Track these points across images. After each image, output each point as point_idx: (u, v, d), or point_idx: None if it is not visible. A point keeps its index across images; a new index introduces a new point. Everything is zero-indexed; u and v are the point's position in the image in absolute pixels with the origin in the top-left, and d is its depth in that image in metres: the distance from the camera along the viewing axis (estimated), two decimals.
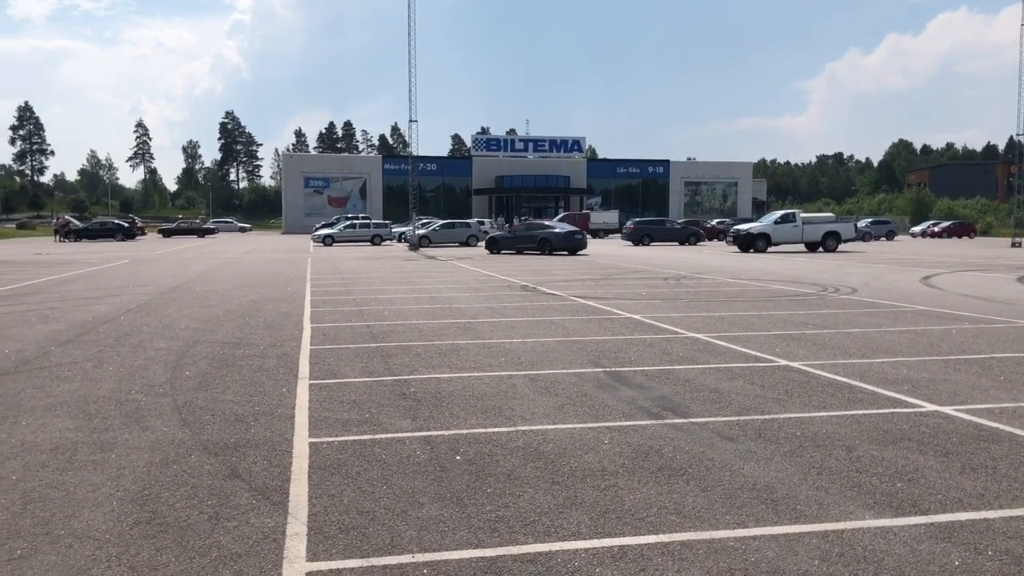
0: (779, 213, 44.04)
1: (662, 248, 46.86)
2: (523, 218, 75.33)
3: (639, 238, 51.78)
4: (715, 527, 4.84)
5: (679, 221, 62.71)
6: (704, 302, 16.96)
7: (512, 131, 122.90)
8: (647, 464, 6.01)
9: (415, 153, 55.46)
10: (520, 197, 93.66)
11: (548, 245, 38.61)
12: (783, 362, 9.98)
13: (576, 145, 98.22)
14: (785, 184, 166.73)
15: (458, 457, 6.19)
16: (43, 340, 11.98)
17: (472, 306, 16.33)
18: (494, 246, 40.13)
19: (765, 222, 42.79)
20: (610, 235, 66.18)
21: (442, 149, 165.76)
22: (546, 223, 44.73)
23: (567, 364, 9.92)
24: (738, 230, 42.92)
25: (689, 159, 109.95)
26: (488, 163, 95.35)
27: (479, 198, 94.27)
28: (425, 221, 57.65)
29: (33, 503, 5.28)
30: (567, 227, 41.28)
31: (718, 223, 66.37)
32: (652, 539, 4.66)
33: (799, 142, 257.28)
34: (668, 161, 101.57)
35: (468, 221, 57.57)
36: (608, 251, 42.47)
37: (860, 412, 7.53)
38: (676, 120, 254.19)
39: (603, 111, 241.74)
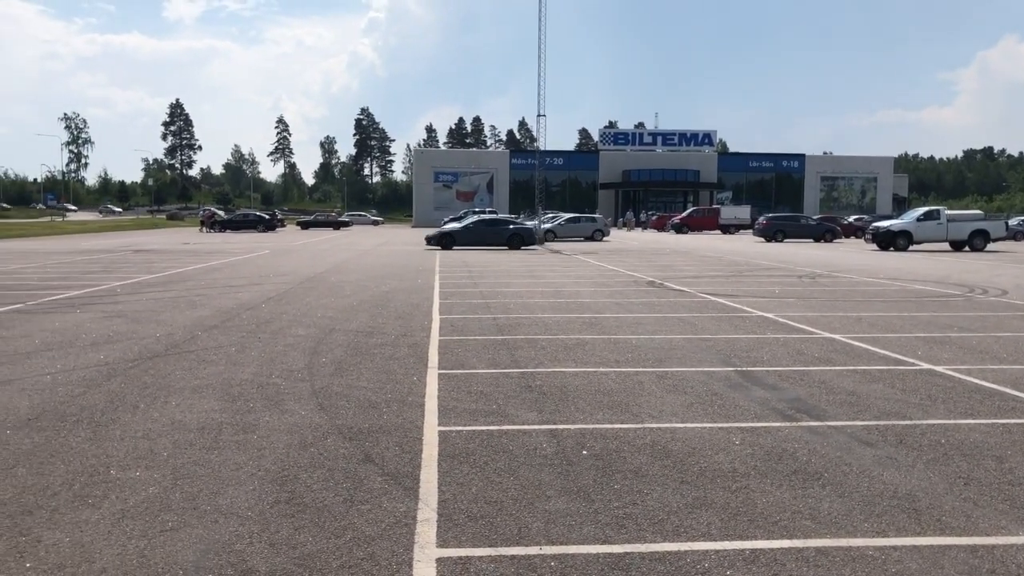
0: (922, 210, 41.87)
1: (796, 245, 45.43)
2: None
3: (772, 234, 50.35)
4: (853, 535, 4.66)
5: (814, 217, 60.59)
6: (841, 301, 16.34)
7: (640, 124, 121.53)
8: (780, 467, 5.84)
9: (542, 148, 55.63)
10: (647, 192, 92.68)
11: (520, 240, 38.05)
12: (926, 366, 9.50)
13: (706, 138, 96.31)
14: (928, 180, 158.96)
15: (584, 452, 6.17)
16: (190, 325, 12.66)
17: (597, 301, 16.26)
18: (448, 242, 37.62)
19: (907, 219, 40.77)
20: (741, 231, 64.60)
21: (569, 143, 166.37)
22: (507, 217, 44.43)
23: (696, 362, 9.75)
24: (877, 227, 41.10)
25: (825, 153, 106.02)
26: (615, 157, 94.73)
27: (605, 192, 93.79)
28: (551, 215, 57.78)
29: (182, 479, 5.58)
30: (527, 223, 41.43)
31: (856, 220, 63.78)
32: (786, 544, 4.53)
33: (944, 135, 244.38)
34: (803, 155, 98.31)
35: (594, 216, 57.37)
36: (739, 247, 41.50)
37: (1012, 421, 7.09)
38: (811, 112, 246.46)
39: (735, 103, 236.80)
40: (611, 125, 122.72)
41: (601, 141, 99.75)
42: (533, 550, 4.45)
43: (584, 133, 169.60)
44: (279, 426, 6.88)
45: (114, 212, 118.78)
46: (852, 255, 34.72)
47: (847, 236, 56.12)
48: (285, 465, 5.87)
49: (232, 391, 8.16)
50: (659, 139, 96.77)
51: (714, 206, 77.47)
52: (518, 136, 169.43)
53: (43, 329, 12.20)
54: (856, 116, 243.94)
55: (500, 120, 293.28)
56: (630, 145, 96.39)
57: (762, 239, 50.63)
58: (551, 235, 49.00)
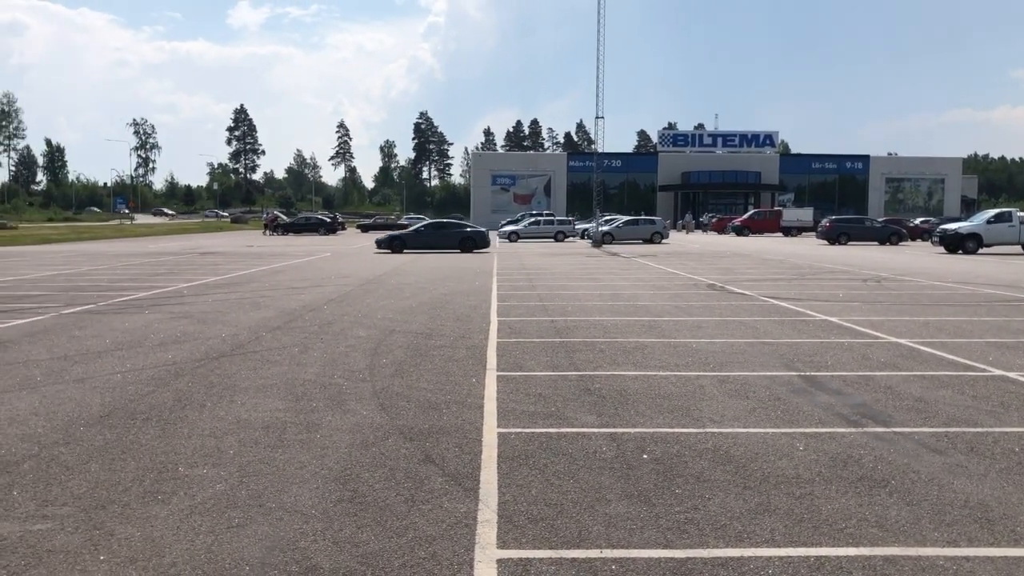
0: (992, 212, 40.73)
1: (860, 248, 44.52)
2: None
3: (835, 237, 49.43)
4: (922, 544, 4.55)
5: (879, 220, 59.31)
6: (907, 305, 15.97)
7: (700, 126, 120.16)
8: (845, 473, 5.73)
9: (600, 150, 55.51)
10: (707, 194, 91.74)
11: (472, 243, 37.72)
12: (997, 372, 9.23)
13: (768, 139, 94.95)
14: (999, 181, 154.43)
15: (645, 456, 6.13)
16: (255, 326, 12.91)
17: (656, 304, 16.14)
18: (399, 246, 36.88)
19: (976, 221, 39.68)
20: (804, 233, 63.54)
21: (627, 145, 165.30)
22: (455, 221, 44.76)
23: (758, 366, 9.62)
24: (945, 230, 40.06)
25: (890, 154, 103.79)
26: (674, 159, 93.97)
27: (664, 195, 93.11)
28: (609, 218, 57.55)
29: (248, 477, 5.69)
30: (477, 227, 41.59)
31: (922, 222, 62.28)
32: (852, 551, 4.44)
33: (1017, 135, 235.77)
34: (867, 156, 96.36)
35: (653, 218, 56.99)
36: (801, 250, 40.82)
37: None
38: (876, 113, 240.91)
39: (797, 104, 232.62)
40: (670, 126, 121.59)
41: (660, 143, 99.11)
42: (593, 553, 4.44)
43: (643, 135, 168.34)
44: (342, 426, 6.98)
45: (221, 216, 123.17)
46: (919, 258, 33.92)
47: (913, 239, 54.82)
48: (348, 464, 5.95)
49: (296, 391, 8.30)
50: (719, 140, 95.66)
51: (776, 208, 76.37)
52: (575, 139, 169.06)
53: (113, 329, 12.56)
54: (923, 116, 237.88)
55: (557, 123, 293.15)
56: (689, 147, 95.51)
57: (825, 242, 49.73)
58: (609, 238, 48.77)
